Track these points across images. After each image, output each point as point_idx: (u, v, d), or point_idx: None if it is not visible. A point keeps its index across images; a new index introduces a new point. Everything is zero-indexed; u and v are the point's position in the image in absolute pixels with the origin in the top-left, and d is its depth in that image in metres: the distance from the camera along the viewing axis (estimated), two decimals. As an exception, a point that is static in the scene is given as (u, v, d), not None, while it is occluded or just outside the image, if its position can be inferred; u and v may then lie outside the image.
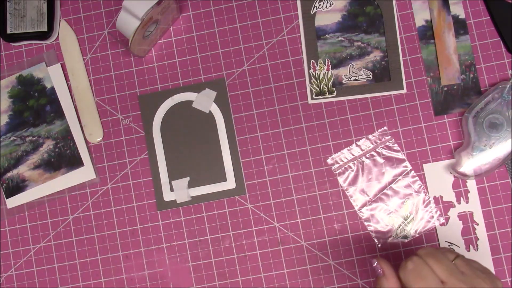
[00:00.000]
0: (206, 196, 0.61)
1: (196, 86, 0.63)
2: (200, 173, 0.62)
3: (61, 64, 0.65)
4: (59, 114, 0.64)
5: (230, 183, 0.61)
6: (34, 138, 0.63)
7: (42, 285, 0.62)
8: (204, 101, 0.62)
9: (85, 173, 0.63)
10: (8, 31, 0.64)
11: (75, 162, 0.63)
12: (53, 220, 0.63)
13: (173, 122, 0.63)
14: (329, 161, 0.61)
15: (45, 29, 0.64)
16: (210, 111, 0.62)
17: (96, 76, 0.64)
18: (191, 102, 0.63)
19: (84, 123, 0.64)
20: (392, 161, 0.60)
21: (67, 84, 0.64)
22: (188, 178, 0.62)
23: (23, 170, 0.63)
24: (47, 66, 0.65)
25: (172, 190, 0.62)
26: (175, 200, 0.62)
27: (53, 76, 0.64)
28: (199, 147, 0.62)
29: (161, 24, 0.61)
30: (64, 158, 0.63)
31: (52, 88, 0.64)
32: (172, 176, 0.62)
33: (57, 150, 0.63)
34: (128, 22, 0.57)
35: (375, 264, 0.49)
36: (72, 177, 0.63)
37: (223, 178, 0.61)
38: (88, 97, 0.64)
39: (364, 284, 0.59)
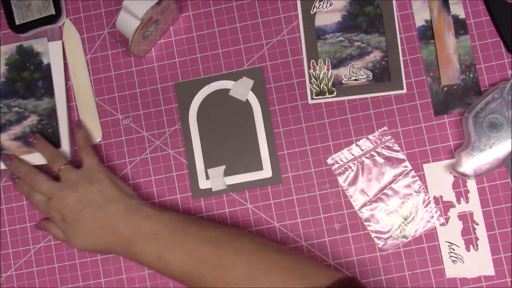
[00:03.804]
0: (241, 184, 0.61)
1: (233, 74, 0.63)
2: (236, 161, 0.61)
3: (64, 63, 0.64)
4: (49, 91, 0.64)
5: (266, 172, 0.61)
6: (21, 110, 0.64)
7: (42, 285, 0.62)
8: (241, 89, 0.62)
9: None
10: (17, 23, 0.64)
11: (53, 142, 0.63)
12: (53, 220, 0.63)
13: (210, 110, 0.63)
14: (329, 161, 0.61)
15: (53, 12, 0.64)
16: (247, 100, 0.62)
17: (96, 76, 0.64)
18: (228, 90, 0.62)
19: (84, 123, 0.63)
20: (392, 161, 0.60)
21: (64, 62, 0.64)
22: (224, 166, 0.61)
23: (3, 138, 0.63)
24: (48, 41, 0.64)
25: (207, 178, 0.62)
26: (210, 188, 0.61)
27: (52, 53, 0.64)
28: (235, 136, 0.62)
29: (161, 24, 0.61)
30: (44, 136, 0.63)
31: (48, 65, 0.64)
32: (207, 165, 0.62)
33: (39, 126, 0.63)
34: (128, 22, 0.57)
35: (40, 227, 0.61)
36: None
37: (259, 167, 0.61)
38: (89, 97, 0.64)
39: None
